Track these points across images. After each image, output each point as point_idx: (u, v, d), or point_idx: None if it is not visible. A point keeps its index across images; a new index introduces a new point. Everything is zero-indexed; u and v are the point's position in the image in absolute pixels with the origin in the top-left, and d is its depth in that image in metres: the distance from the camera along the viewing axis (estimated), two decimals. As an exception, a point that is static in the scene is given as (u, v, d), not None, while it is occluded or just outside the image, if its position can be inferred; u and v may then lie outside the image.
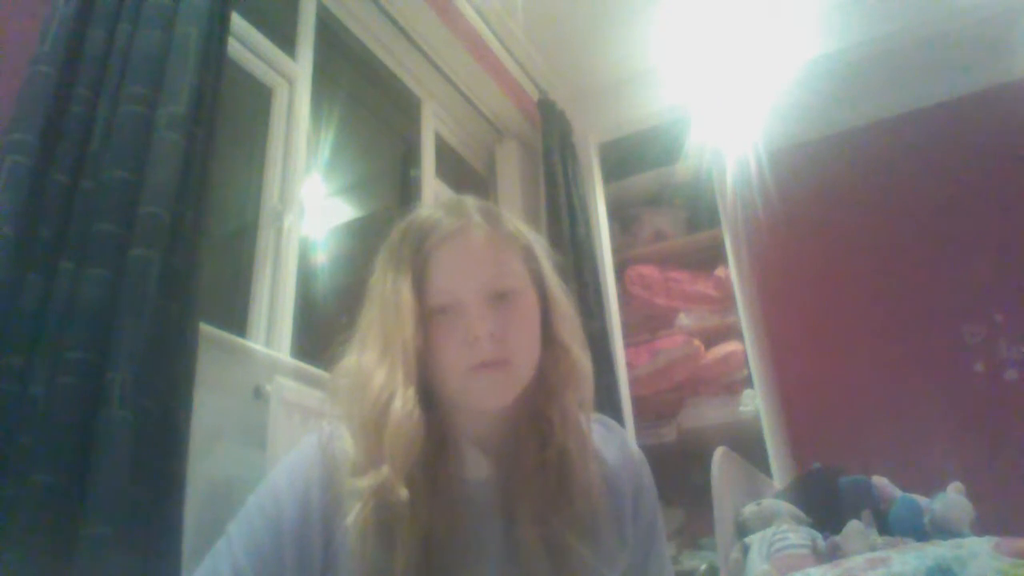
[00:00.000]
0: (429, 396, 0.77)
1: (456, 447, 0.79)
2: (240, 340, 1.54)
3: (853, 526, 1.56)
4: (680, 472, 2.61)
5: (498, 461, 0.80)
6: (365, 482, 0.71)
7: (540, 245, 0.87)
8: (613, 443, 0.89)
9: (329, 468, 0.75)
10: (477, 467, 0.80)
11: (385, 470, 0.70)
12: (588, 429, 0.83)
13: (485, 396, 0.76)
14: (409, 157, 2.57)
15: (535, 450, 0.79)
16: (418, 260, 0.78)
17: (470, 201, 0.84)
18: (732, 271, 2.83)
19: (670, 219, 3.15)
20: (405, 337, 0.74)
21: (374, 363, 0.75)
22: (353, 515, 0.70)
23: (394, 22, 2.38)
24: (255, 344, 1.60)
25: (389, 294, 0.77)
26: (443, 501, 0.73)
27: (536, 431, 0.79)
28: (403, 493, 0.69)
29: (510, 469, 0.79)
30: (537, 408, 0.80)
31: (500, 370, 0.75)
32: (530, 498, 0.76)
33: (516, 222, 0.86)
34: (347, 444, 0.75)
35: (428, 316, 0.76)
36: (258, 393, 1.42)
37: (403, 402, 0.72)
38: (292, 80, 1.97)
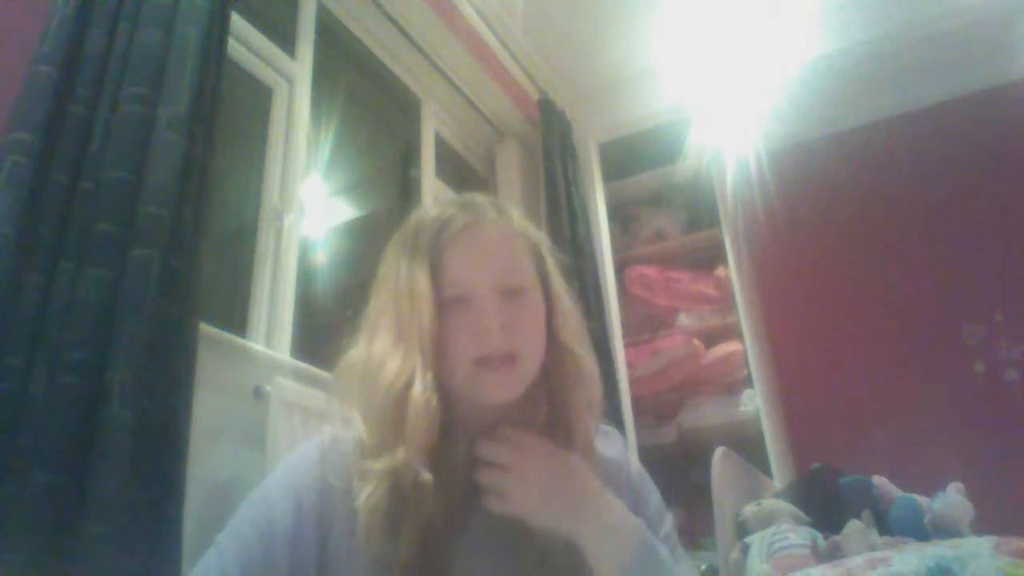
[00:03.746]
0: (439, 387, 0.76)
1: (460, 444, 0.79)
2: (240, 340, 1.54)
3: (853, 526, 1.56)
4: (680, 472, 2.61)
5: None
6: (380, 464, 0.71)
7: (546, 245, 0.87)
8: (613, 449, 0.89)
9: (326, 472, 0.75)
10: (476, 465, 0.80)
11: (401, 452, 0.70)
12: (594, 432, 0.83)
13: (491, 390, 0.76)
14: (409, 157, 2.57)
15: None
16: (434, 251, 0.78)
17: (482, 198, 0.85)
18: (732, 271, 2.83)
19: (670, 219, 3.15)
20: (422, 324, 0.75)
21: (388, 350, 0.75)
22: (364, 496, 0.70)
23: (394, 22, 2.38)
24: (255, 344, 1.60)
25: (404, 283, 0.77)
26: (445, 493, 0.73)
27: (545, 431, 0.79)
28: (425, 475, 0.70)
29: None
30: (545, 409, 0.80)
31: (508, 366, 0.75)
32: None
33: (525, 221, 0.86)
34: (361, 433, 0.75)
35: (440, 307, 0.76)
36: (258, 393, 1.42)
37: (423, 387, 0.72)
38: (292, 80, 1.97)
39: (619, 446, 0.91)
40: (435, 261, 0.78)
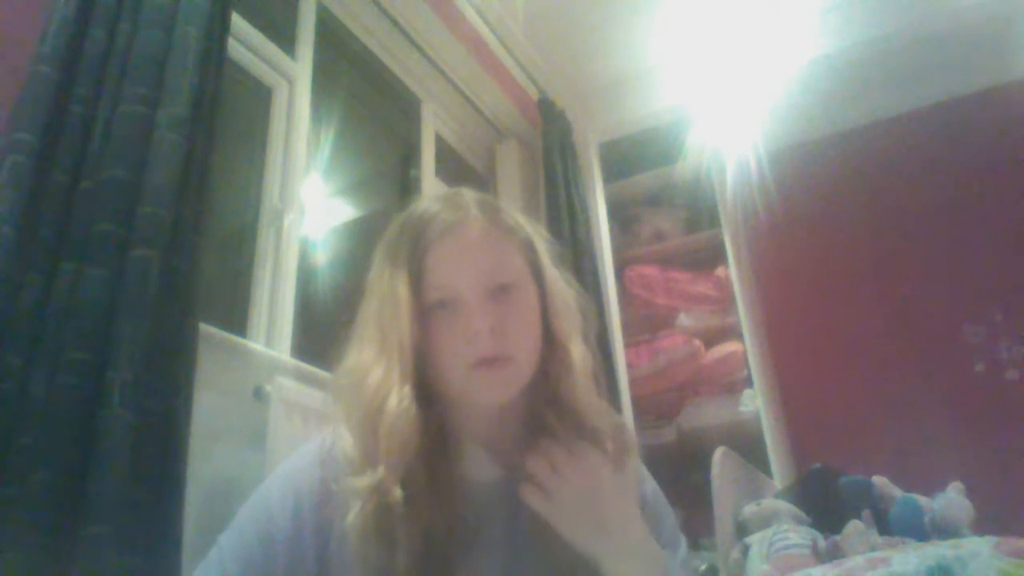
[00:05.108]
0: (429, 393, 0.76)
1: (459, 446, 0.78)
2: (240, 340, 1.54)
3: (853, 526, 1.56)
4: (680, 472, 2.61)
5: (509, 462, 0.79)
6: (363, 482, 0.70)
7: (540, 237, 0.85)
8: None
9: (325, 475, 0.74)
10: (483, 468, 0.79)
11: (381, 470, 0.69)
12: (621, 425, 0.83)
13: (487, 393, 0.75)
14: (409, 157, 2.57)
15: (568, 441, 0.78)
16: (415, 255, 0.76)
17: (467, 193, 0.83)
18: (732, 271, 2.83)
19: (670, 219, 3.15)
20: (401, 334, 0.73)
21: (371, 361, 0.74)
22: (352, 515, 0.69)
23: (394, 22, 2.38)
24: (255, 344, 1.60)
25: (386, 290, 0.76)
26: (444, 500, 0.72)
27: (566, 422, 0.79)
28: (397, 493, 0.68)
29: (523, 469, 0.78)
30: (551, 403, 0.79)
31: (501, 367, 0.74)
32: None
33: (515, 214, 0.84)
34: (347, 446, 0.74)
35: (427, 312, 0.75)
36: (258, 393, 1.42)
37: (399, 400, 0.71)
38: (292, 80, 1.97)
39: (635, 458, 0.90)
40: (417, 265, 0.76)
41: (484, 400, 0.76)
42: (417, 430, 0.72)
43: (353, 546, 0.69)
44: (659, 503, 0.89)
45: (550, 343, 0.80)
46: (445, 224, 0.77)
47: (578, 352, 0.81)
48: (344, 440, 0.75)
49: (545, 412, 0.79)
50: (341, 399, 0.78)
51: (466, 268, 0.76)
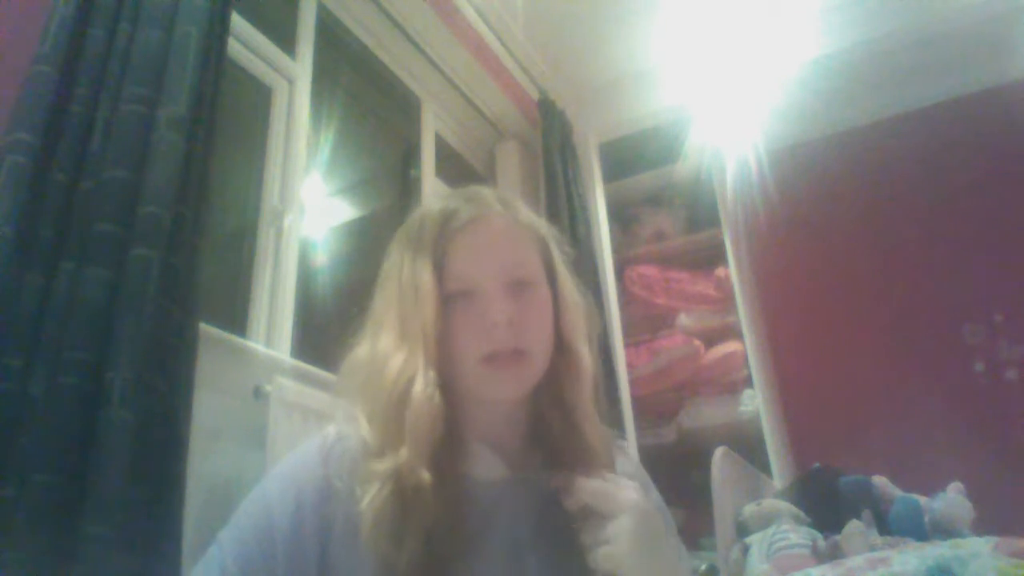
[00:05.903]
0: (443, 387, 0.75)
1: (464, 444, 0.78)
2: (240, 340, 1.54)
3: (853, 526, 1.56)
4: (680, 472, 2.61)
5: (512, 462, 0.79)
6: (383, 465, 0.69)
7: (553, 238, 0.86)
8: (631, 467, 0.88)
9: (328, 472, 0.74)
10: (488, 467, 0.78)
11: (404, 452, 0.69)
12: (610, 436, 0.82)
13: (500, 387, 0.75)
14: (409, 157, 2.57)
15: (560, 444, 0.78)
16: (438, 246, 0.77)
17: (487, 191, 0.84)
18: (732, 271, 2.84)
19: (670, 219, 3.15)
20: (425, 320, 0.73)
21: (392, 347, 0.74)
22: (368, 498, 0.69)
23: (394, 22, 2.38)
24: (255, 344, 1.60)
25: (407, 279, 0.76)
26: (448, 498, 0.72)
27: (565, 426, 0.79)
28: (425, 475, 0.68)
29: (527, 469, 0.78)
30: (555, 405, 0.79)
31: (515, 361, 0.74)
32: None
33: (531, 213, 0.85)
34: (364, 432, 0.74)
35: (445, 302, 0.75)
36: (258, 393, 1.42)
37: (424, 384, 0.71)
38: (292, 80, 1.97)
39: (635, 465, 0.90)
40: (440, 256, 0.77)
41: (497, 395, 0.76)
42: (442, 416, 0.71)
43: (365, 533, 0.68)
44: (662, 513, 0.88)
45: (558, 345, 0.80)
46: (468, 216, 0.78)
47: (585, 356, 0.81)
48: (361, 428, 0.75)
49: (548, 415, 0.80)
50: (355, 387, 0.77)
51: (487, 259, 0.77)
